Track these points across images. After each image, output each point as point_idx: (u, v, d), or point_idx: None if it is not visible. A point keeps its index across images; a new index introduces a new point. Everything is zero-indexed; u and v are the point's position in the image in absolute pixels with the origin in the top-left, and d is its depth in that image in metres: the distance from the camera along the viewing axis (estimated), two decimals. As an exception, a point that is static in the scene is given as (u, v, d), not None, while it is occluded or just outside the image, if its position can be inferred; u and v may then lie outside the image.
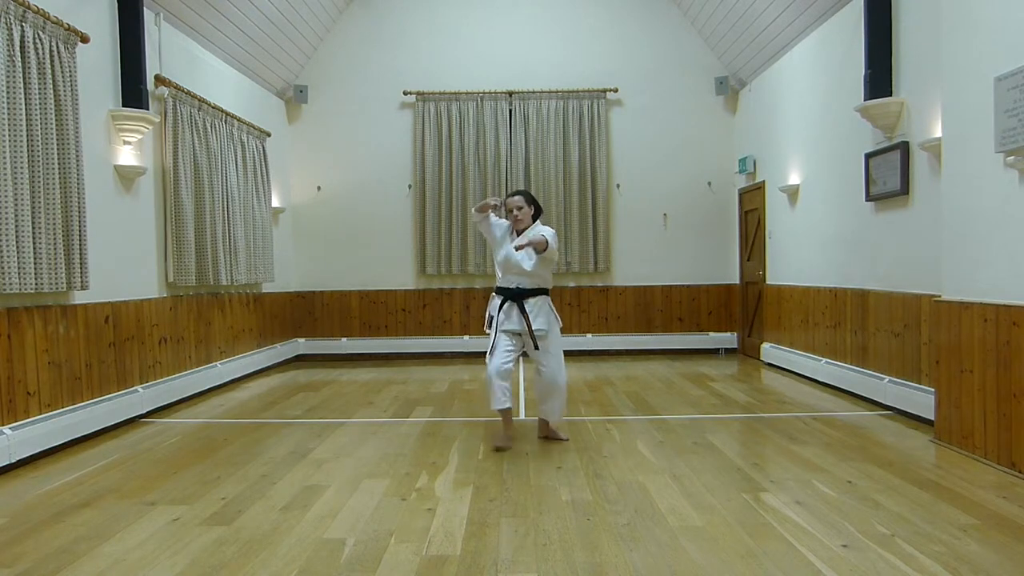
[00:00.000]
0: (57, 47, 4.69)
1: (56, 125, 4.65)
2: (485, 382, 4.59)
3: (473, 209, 4.69)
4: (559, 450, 4.45)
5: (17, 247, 4.27)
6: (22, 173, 4.32)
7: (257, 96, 8.34)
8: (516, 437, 4.73)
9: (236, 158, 7.40)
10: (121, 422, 5.33)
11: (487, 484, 3.79)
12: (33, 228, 4.44)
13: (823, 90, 6.74)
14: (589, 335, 9.19)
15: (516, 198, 4.64)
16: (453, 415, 5.61)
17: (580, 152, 9.14)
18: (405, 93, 9.18)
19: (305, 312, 9.27)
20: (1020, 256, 3.79)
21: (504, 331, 4.50)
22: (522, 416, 5.43)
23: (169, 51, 6.23)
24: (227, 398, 6.58)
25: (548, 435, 4.75)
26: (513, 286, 4.54)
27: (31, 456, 4.35)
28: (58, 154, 4.67)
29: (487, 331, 4.60)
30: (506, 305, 4.53)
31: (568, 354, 9.87)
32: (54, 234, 4.62)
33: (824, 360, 6.62)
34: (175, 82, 6.17)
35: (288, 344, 8.91)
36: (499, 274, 4.64)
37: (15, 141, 4.30)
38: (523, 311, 4.50)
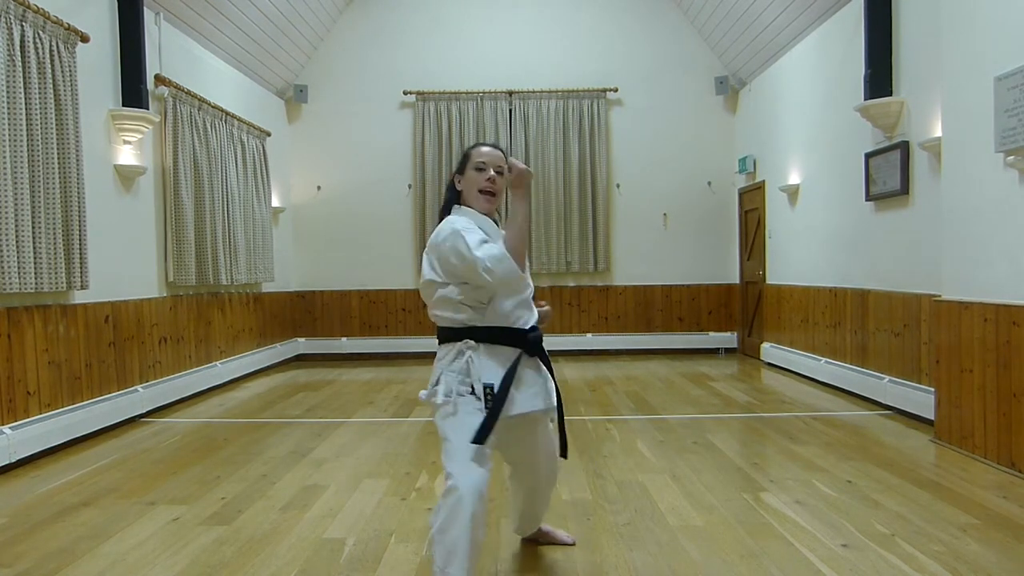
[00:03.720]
0: (57, 47, 4.68)
1: (56, 125, 4.65)
2: (447, 515, 2.24)
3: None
4: (559, 450, 4.45)
5: (17, 247, 4.27)
6: (22, 173, 4.32)
7: (257, 96, 8.33)
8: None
9: (236, 158, 7.40)
10: (121, 422, 5.33)
11: (487, 484, 3.79)
12: (33, 228, 4.44)
13: (823, 90, 6.74)
14: (589, 335, 9.18)
15: (494, 152, 2.51)
16: (453, 415, 5.60)
17: (580, 152, 9.13)
18: (405, 93, 9.17)
19: (305, 312, 9.27)
20: (1020, 256, 3.79)
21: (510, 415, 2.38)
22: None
23: (169, 51, 6.22)
24: (227, 398, 6.58)
25: (541, 539, 2.97)
26: (527, 324, 2.45)
27: (31, 456, 4.35)
28: (58, 154, 4.67)
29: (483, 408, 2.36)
30: (525, 362, 2.42)
31: (568, 354, 9.75)
32: (54, 234, 4.61)
33: (824, 360, 6.62)
34: (175, 82, 6.17)
35: (288, 344, 8.91)
36: (486, 308, 2.42)
37: (15, 141, 4.30)
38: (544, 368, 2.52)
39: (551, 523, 3.06)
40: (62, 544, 3.04)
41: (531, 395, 2.41)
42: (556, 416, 2.54)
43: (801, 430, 4.90)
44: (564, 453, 2.56)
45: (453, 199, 2.57)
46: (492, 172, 2.46)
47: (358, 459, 4.34)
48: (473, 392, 2.35)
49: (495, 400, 2.32)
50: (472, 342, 2.39)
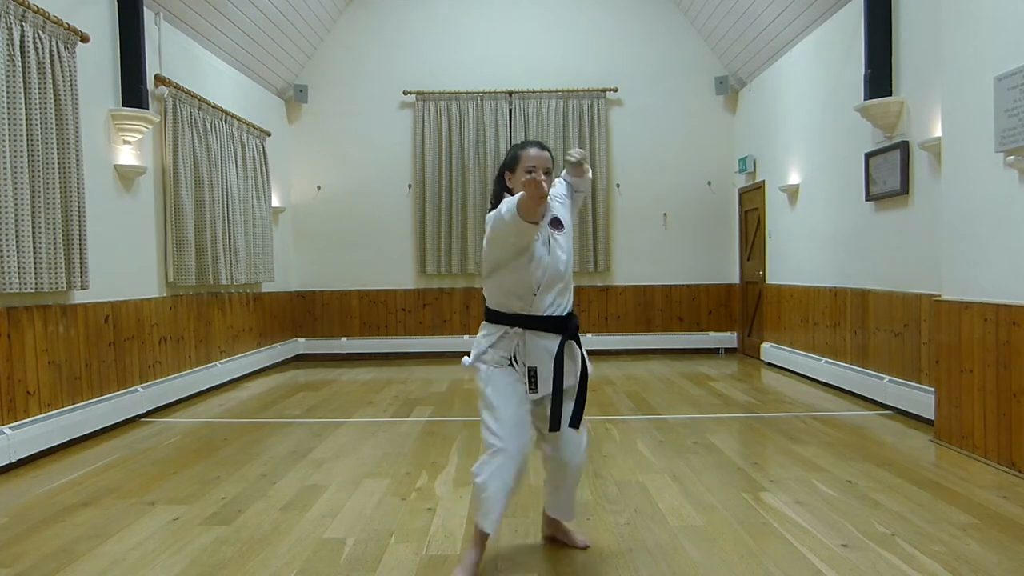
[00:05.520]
0: (57, 47, 4.68)
1: (56, 125, 4.65)
2: (488, 476, 2.59)
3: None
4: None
5: (17, 247, 4.27)
6: (22, 173, 4.32)
7: (257, 96, 8.33)
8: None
9: (236, 158, 7.40)
10: (121, 422, 5.33)
11: (487, 484, 3.79)
12: (33, 228, 4.44)
13: (823, 90, 6.74)
14: (589, 335, 9.17)
15: (542, 154, 2.71)
16: (453, 415, 5.61)
17: (580, 152, 9.12)
18: (405, 93, 9.17)
19: (305, 312, 9.27)
20: (1020, 256, 3.79)
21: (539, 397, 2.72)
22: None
23: (169, 51, 6.22)
24: (227, 398, 6.58)
25: (558, 535, 3.01)
26: (564, 311, 2.72)
27: (31, 456, 4.35)
28: (58, 154, 4.67)
29: (530, 393, 2.70)
30: (565, 347, 2.69)
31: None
32: (54, 234, 4.61)
33: (824, 360, 6.62)
34: (175, 82, 6.17)
35: (288, 344, 8.91)
36: (516, 296, 2.66)
37: (15, 141, 4.30)
38: (574, 352, 2.79)
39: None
40: (62, 544, 3.04)
41: (566, 374, 2.69)
42: (578, 388, 2.79)
43: (801, 430, 4.90)
44: (576, 424, 2.78)
45: (501, 191, 2.78)
46: (542, 175, 2.62)
47: (358, 459, 4.34)
48: (512, 364, 2.68)
49: (556, 384, 2.65)
50: (520, 329, 2.67)
